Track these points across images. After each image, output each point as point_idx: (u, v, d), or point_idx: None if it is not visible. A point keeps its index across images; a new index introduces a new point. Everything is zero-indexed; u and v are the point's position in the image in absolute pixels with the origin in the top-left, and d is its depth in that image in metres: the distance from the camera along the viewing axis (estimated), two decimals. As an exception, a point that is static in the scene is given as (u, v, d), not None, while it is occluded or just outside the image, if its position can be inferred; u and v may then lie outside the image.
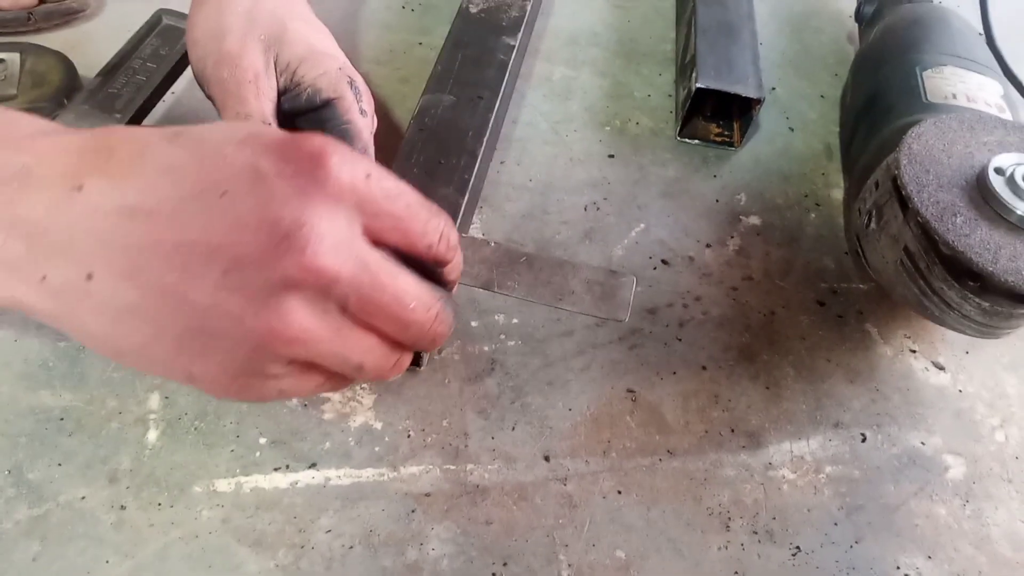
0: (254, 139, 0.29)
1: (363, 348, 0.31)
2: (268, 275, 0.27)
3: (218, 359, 0.28)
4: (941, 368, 0.51)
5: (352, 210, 0.29)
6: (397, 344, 0.33)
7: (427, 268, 0.33)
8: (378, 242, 0.31)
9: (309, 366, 0.31)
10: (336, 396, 0.45)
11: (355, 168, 0.29)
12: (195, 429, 0.43)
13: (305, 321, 0.28)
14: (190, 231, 0.27)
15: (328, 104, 0.45)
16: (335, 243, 0.28)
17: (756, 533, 0.43)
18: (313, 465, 0.43)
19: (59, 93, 0.53)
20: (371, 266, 0.29)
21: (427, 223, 0.32)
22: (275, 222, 0.27)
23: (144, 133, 0.29)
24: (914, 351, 0.51)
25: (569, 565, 0.41)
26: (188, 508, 0.40)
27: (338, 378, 0.33)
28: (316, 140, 0.29)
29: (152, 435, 0.43)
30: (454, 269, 0.35)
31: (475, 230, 0.54)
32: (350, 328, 0.30)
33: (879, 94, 0.57)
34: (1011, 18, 0.70)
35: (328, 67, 0.46)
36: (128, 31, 0.64)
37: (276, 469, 0.42)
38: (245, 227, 0.27)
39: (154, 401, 0.44)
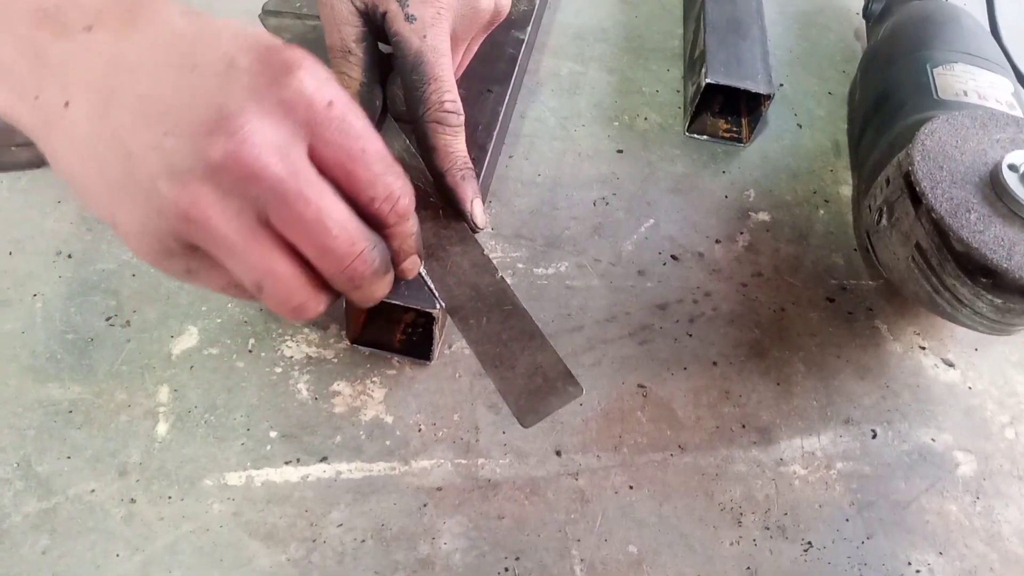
0: (247, 37, 0.30)
1: (267, 266, 0.31)
2: (195, 150, 0.28)
3: (136, 214, 0.30)
4: (951, 365, 0.51)
5: (301, 126, 0.30)
6: (311, 278, 0.32)
7: (373, 224, 0.33)
8: (322, 171, 0.31)
9: (215, 261, 0.31)
10: (347, 389, 0.45)
11: (320, 91, 0.30)
12: (205, 422, 0.43)
13: (210, 208, 0.29)
14: (155, 89, 0.29)
15: (384, 17, 0.43)
16: (269, 142, 0.29)
17: (768, 529, 0.42)
18: (324, 459, 0.42)
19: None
20: (300, 177, 0.30)
21: (377, 176, 0.32)
22: (221, 105, 0.28)
23: (172, 7, 0.31)
24: (924, 348, 0.51)
25: (581, 560, 0.40)
26: (198, 501, 0.40)
27: (241, 288, 0.33)
28: (296, 52, 0.30)
29: (162, 428, 0.42)
30: (398, 237, 0.34)
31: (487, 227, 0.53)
32: (261, 239, 0.30)
33: (889, 91, 0.57)
34: (1016, 16, 0.70)
35: None
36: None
37: (287, 463, 0.42)
38: (196, 100, 0.28)
39: (163, 394, 0.43)
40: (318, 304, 0.33)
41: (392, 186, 0.32)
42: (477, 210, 0.43)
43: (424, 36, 0.42)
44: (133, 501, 0.40)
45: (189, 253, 0.31)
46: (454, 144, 0.43)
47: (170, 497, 0.40)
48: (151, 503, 0.40)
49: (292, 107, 0.29)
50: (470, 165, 0.44)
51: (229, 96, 0.28)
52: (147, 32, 0.30)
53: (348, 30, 0.43)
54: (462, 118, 0.43)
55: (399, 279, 0.36)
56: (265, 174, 0.29)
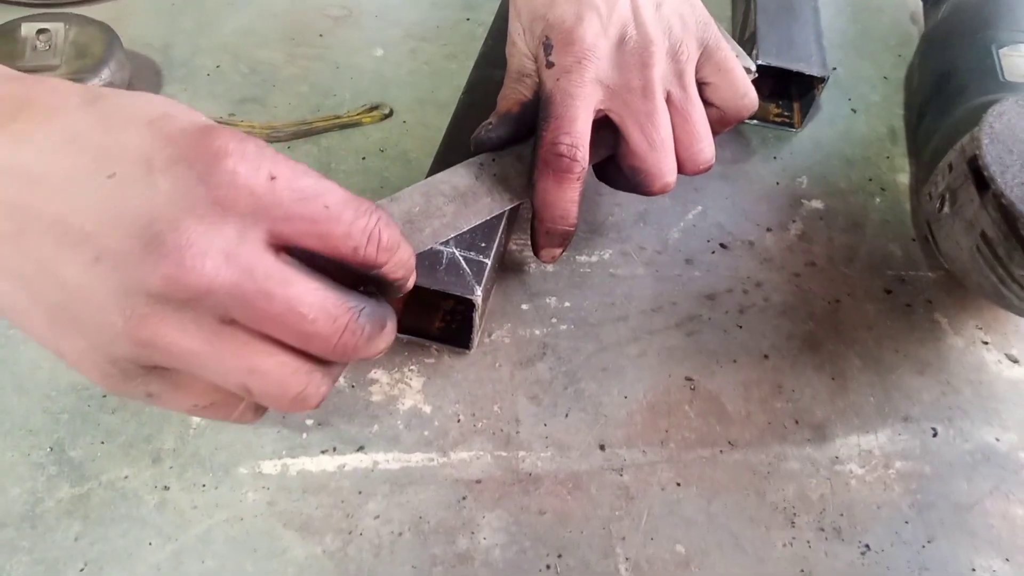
0: (162, 123, 0.27)
1: (247, 365, 0.28)
2: (131, 275, 0.26)
3: (83, 343, 0.27)
4: (1015, 361, 0.48)
5: (248, 217, 0.27)
6: (302, 361, 0.29)
7: (360, 272, 0.31)
8: (290, 247, 0.28)
9: (183, 377, 0.29)
10: (384, 378, 0.44)
11: (257, 171, 0.27)
12: (240, 409, 0.42)
13: (165, 327, 0.26)
14: (69, 209, 0.26)
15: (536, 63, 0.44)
16: (212, 251, 0.26)
17: (823, 530, 0.40)
18: (361, 448, 0.41)
19: (102, 64, 0.52)
20: (258, 274, 0.27)
21: (351, 224, 0.29)
22: (149, 222, 0.25)
23: (68, 91, 0.28)
24: (986, 343, 0.49)
25: (626, 559, 0.39)
26: (233, 490, 0.39)
27: (223, 399, 0.30)
28: (220, 138, 0.27)
29: (196, 414, 0.41)
30: (395, 269, 0.31)
31: (525, 209, 0.52)
32: (231, 339, 0.28)
33: (951, 74, 0.54)
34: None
35: None
36: (171, 4, 0.63)
37: (323, 452, 0.41)
38: (120, 219, 0.26)
39: (198, 379, 0.43)
40: (319, 387, 0.30)
41: (369, 226, 0.29)
42: (545, 261, 0.46)
43: (558, 79, 0.41)
44: (166, 488, 0.39)
45: (149, 374, 0.28)
46: (554, 192, 0.42)
47: (204, 485, 0.39)
48: (184, 491, 0.39)
49: (231, 203, 0.26)
50: (569, 222, 0.43)
51: (155, 208, 0.26)
52: (47, 131, 0.27)
53: (526, 61, 0.44)
54: (577, 166, 0.41)
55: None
56: (215, 286, 0.26)
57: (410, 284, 0.34)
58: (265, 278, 0.27)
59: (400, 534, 0.39)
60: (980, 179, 0.43)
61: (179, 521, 0.38)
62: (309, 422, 0.42)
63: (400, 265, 0.32)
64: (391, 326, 0.32)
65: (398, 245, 0.31)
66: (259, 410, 0.32)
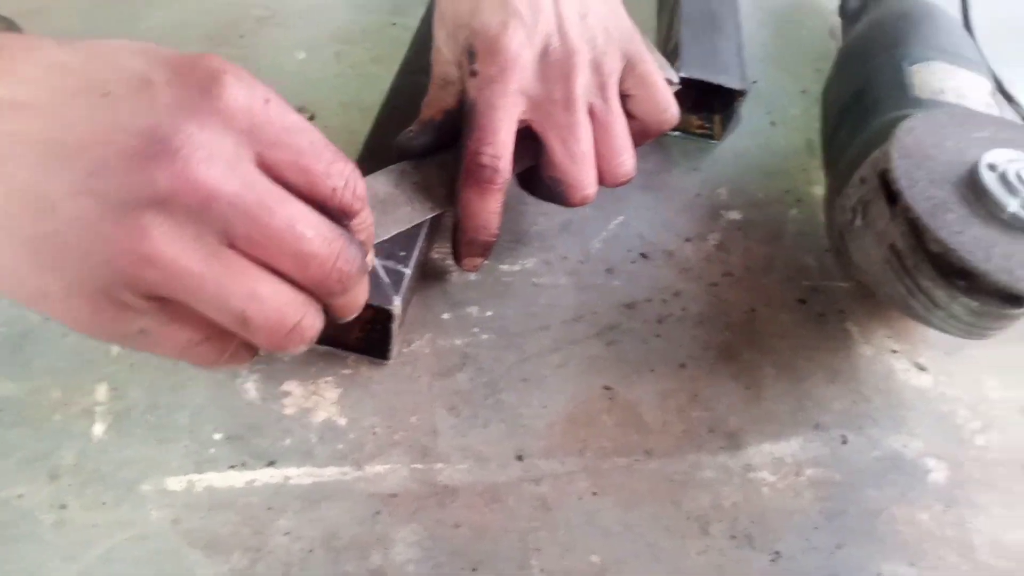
0: (151, 51, 0.28)
1: (247, 289, 0.28)
2: (133, 183, 0.25)
3: (70, 274, 0.26)
4: (923, 369, 0.50)
5: (243, 134, 0.27)
6: (299, 291, 0.30)
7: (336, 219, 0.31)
8: (274, 176, 0.29)
9: (178, 310, 0.28)
10: (298, 390, 0.43)
11: (253, 91, 0.28)
12: (145, 422, 0.40)
13: (167, 241, 0.26)
14: (61, 127, 0.26)
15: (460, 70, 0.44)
16: (216, 157, 0.26)
17: (735, 538, 0.41)
18: (272, 463, 0.40)
19: (6, 63, 0.50)
20: (257, 188, 0.27)
21: (331, 164, 0.30)
22: (152, 128, 0.26)
23: (40, 37, 0.28)
24: (895, 351, 0.50)
25: (542, 570, 0.39)
26: (136, 508, 0.38)
27: (217, 335, 0.30)
28: (215, 58, 0.28)
29: (98, 428, 0.40)
30: (362, 226, 0.32)
31: (448, 217, 0.51)
32: (231, 261, 0.28)
33: (865, 89, 0.56)
34: (990, 16, 0.69)
35: None
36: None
37: (232, 467, 0.40)
38: (119, 129, 0.26)
39: (102, 392, 0.41)
40: (314, 320, 0.31)
41: (346, 171, 0.30)
42: (467, 270, 0.47)
43: (482, 89, 0.41)
44: (64, 507, 0.37)
45: (143, 307, 0.27)
46: (476, 203, 0.42)
47: (105, 503, 0.38)
48: (84, 509, 0.37)
49: (230, 116, 0.27)
50: (491, 232, 0.43)
51: (157, 116, 0.26)
52: (29, 63, 0.27)
53: (449, 68, 0.44)
54: (499, 177, 0.41)
55: None
56: (221, 192, 0.26)
57: (370, 260, 0.34)
58: (266, 192, 0.28)
59: (311, 551, 0.38)
60: (890, 192, 0.44)
61: (79, 541, 0.37)
62: (217, 436, 0.40)
63: (366, 225, 0.32)
64: (367, 279, 0.33)
65: (366, 202, 0.32)
66: (250, 350, 0.32)
